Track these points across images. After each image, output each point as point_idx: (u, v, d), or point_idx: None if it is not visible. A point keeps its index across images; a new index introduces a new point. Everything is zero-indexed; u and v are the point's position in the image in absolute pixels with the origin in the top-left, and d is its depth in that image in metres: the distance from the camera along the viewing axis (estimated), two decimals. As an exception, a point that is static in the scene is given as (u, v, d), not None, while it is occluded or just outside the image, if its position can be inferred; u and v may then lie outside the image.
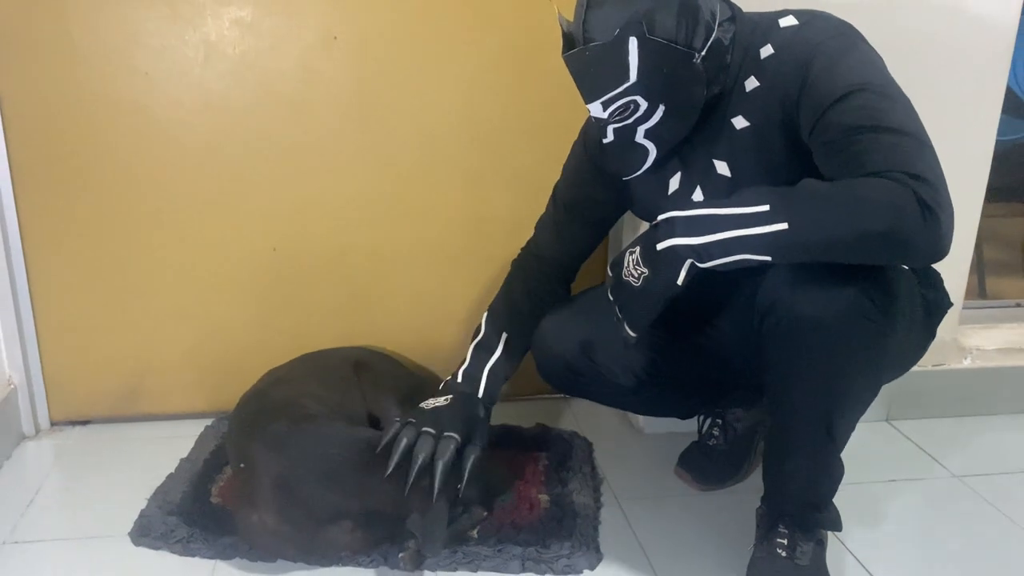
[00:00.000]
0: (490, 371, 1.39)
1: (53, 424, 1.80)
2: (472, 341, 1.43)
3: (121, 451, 1.70)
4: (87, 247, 1.71)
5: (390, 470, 1.23)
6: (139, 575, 1.31)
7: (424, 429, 1.27)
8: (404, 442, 1.26)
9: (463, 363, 1.41)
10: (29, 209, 1.66)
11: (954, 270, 1.70)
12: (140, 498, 1.48)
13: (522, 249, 1.49)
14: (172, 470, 1.58)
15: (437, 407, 1.33)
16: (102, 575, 1.31)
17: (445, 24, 1.69)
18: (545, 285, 1.45)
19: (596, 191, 1.39)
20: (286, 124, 1.70)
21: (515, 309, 1.44)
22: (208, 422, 1.79)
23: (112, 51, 1.61)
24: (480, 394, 1.37)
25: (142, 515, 1.43)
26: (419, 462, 1.23)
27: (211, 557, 1.34)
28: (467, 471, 1.27)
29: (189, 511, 1.43)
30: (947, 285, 1.32)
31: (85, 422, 1.82)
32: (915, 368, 1.33)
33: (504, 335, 1.41)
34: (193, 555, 1.34)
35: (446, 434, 1.27)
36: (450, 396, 1.35)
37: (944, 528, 1.47)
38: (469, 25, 1.70)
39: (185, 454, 1.64)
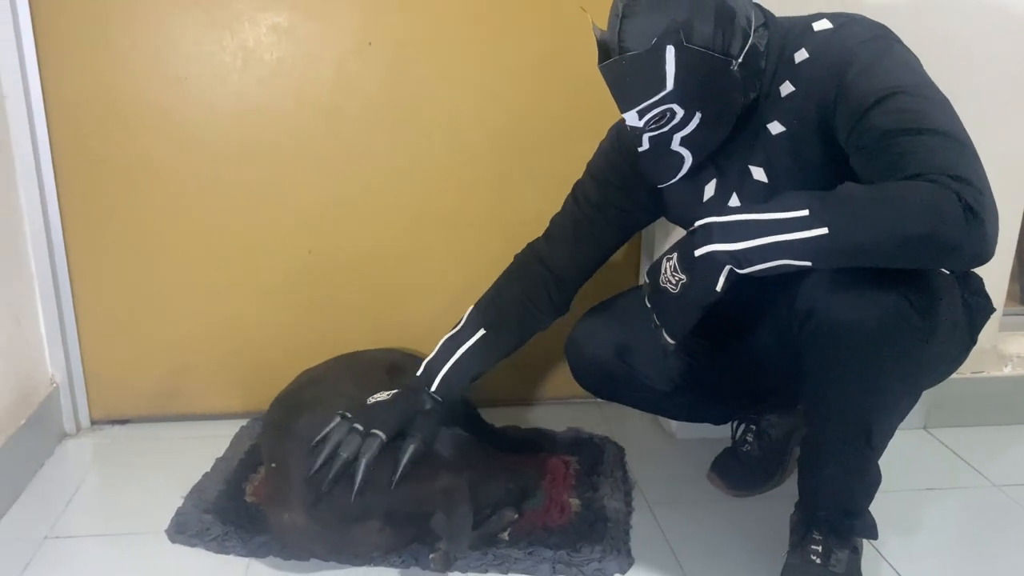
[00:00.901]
0: (454, 365, 1.36)
1: (93, 423, 1.84)
2: (448, 333, 1.41)
3: (158, 450, 1.73)
4: (127, 250, 1.74)
5: (314, 469, 1.25)
6: (175, 572, 1.33)
7: (354, 426, 1.28)
8: (332, 440, 1.27)
9: (431, 354, 1.39)
10: (72, 212, 1.70)
11: (994, 276, 1.67)
12: (176, 496, 1.51)
13: (528, 245, 1.44)
14: (208, 469, 1.60)
15: (377, 402, 1.34)
16: (139, 571, 1.34)
17: (478, 29, 1.71)
18: (543, 295, 1.40)
19: (628, 195, 1.36)
20: (321, 129, 1.72)
21: (500, 309, 1.40)
22: (243, 422, 1.81)
23: (152, 57, 1.65)
24: (433, 387, 1.35)
25: (178, 513, 1.46)
26: (340, 460, 1.24)
27: (245, 555, 1.36)
28: (400, 464, 1.26)
29: (224, 509, 1.45)
30: (992, 290, 1.30)
31: (124, 421, 1.85)
32: (953, 375, 1.30)
33: (481, 332, 1.38)
34: (228, 553, 1.37)
35: (372, 431, 1.27)
36: (395, 391, 1.35)
37: (983, 538, 1.44)
38: (500, 30, 1.71)
39: (221, 453, 1.67)
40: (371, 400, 1.34)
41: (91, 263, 1.74)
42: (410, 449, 1.28)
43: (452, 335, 1.39)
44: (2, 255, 1.57)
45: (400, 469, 1.26)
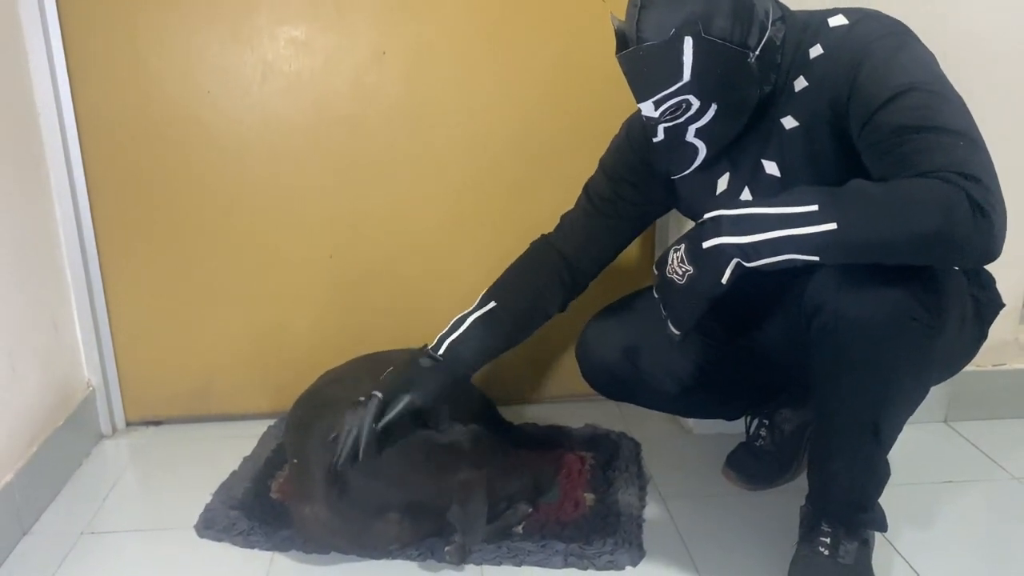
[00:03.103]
0: (462, 334, 1.35)
1: (128, 424, 1.91)
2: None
3: (189, 449, 1.80)
4: (158, 257, 1.81)
5: (337, 460, 1.27)
6: (203, 565, 1.39)
7: (358, 400, 1.29)
8: (346, 426, 1.28)
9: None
10: (104, 221, 1.78)
11: (1015, 269, 1.66)
12: (205, 493, 1.57)
13: (542, 236, 1.45)
14: (235, 467, 1.66)
15: (385, 373, 1.35)
16: (169, 564, 1.39)
17: (489, 37, 1.74)
18: (553, 273, 1.40)
19: (638, 188, 1.37)
20: (340, 137, 1.77)
21: (514, 287, 1.40)
22: (270, 422, 1.87)
23: (178, 72, 1.71)
24: (440, 351, 1.34)
25: (207, 509, 1.52)
26: (351, 436, 1.26)
27: (269, 549, 1.41)
28: (392, 413, 1.27)
29: (250, 506, 1.50)
30: (1008, 283, 1.30)
31: (157, 422, 1.92)
32: (974, 368, 1.30)
33: (491, 304, 1.37)
34: (253, 547, 1.42)
35: (373, 393, 1.28)
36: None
37: (1001, 531, 1.43)
38: (512, 37, 1.75)
39: (248, 452, 1.72)
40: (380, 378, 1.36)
41: (123, 271, 1.81)
42: (404, 400, 1.28)
43: (464, 312, 1.39)
44: (39, 264, 1.65)
45: (388, 417, 1.27)
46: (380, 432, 1.27)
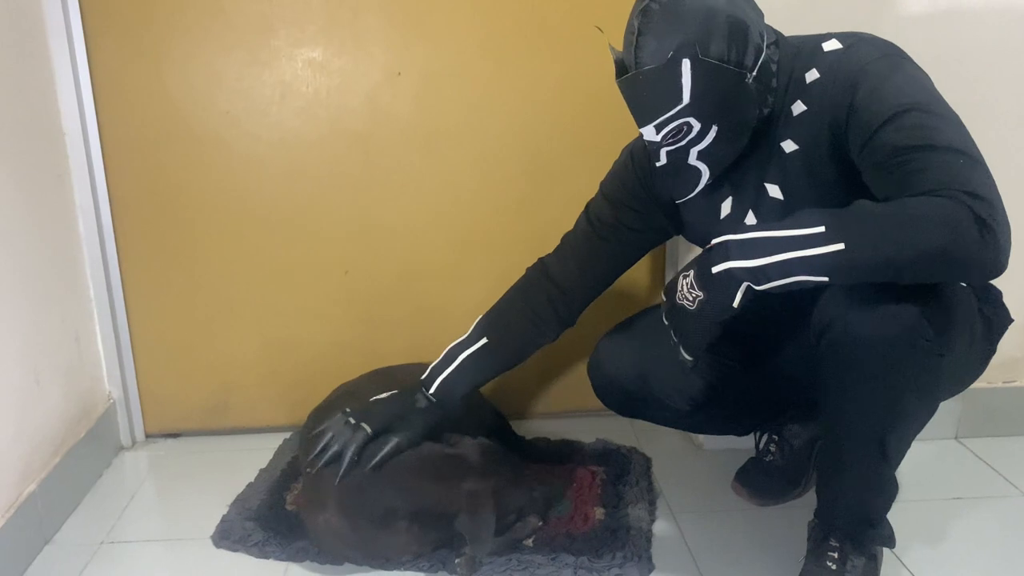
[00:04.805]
0: (455, 370, 1.40)
1: (148, 436, 1.95)
2: (456, 340, 1.45)
3: (207, 462, 1.83)
4: (178, 273, 1.85)
5: (311, 456, 1.38)
6: (219, 574, 1.41)
7: (348, 420, 1.39)
8: (329, 433, 1.39)
9: (436, 359, 1.44)
10: (126, 238, 1.82)
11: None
12: (222, 504, 1.60)
13: (539, 260, 1.45)
14: (252, 479, 1.69)
15: (376, 400, 1.43)
16: (186, 573, 1.42)
17: (502, 59, 1.78)
18: (547, 308, 1.41)
19: (641, 215, 1.37)
20: (355, 156, 1.81)
21: (504, 322, 1.42)
22: (286, 435, 1.90)
23: (199, 92, 1.76)
24: (432, 389, 1.40)
25: (223, 520, 1.54)
26: (331, 450, 1.36)
27: (284, 559, 1.43)
28: (377, 456, 1.35)
29: (266, 517, 1.53)
30: (1016, 298, 1.30)
31: (176, 435, 1.96)
32: (985, 385, 1.30)
33: (483, 341, 1.41)
34: (268, 557, 1.44)
35: (361, 424, 1.37)
36: (395, 391, 1.44)
37: (1011, 548, 1.43)
38: (521, 62, 1.78)
39: (264, 465, 1.75)
40: (373, 399, 1.43)
41: (145, 287, 1.85)
42: (391, 443, 1.36)
43: (457, 343, 1.43)
44: (63, 280, 1.69)
45: (375, 461, 1.35)
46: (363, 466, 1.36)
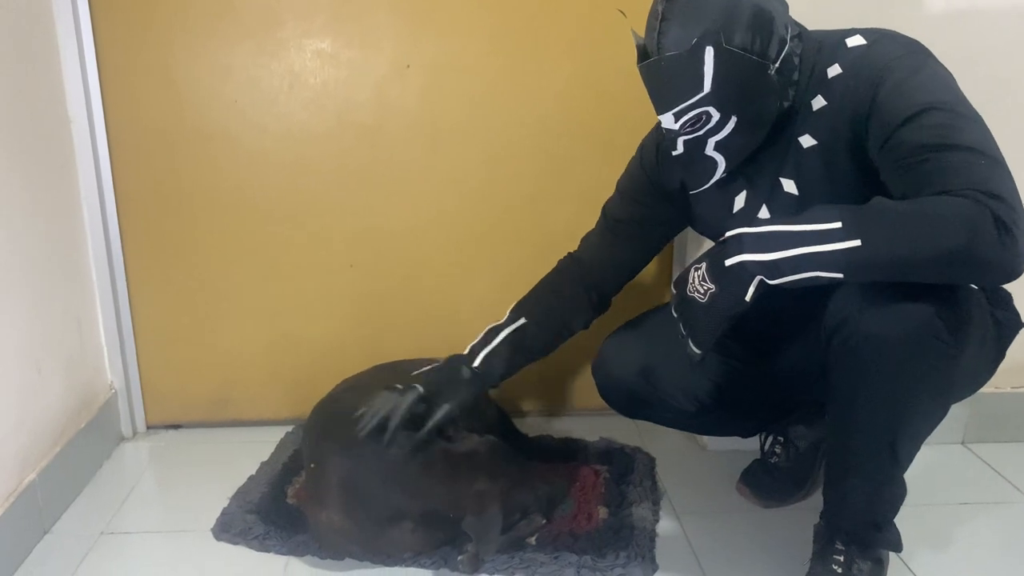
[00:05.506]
0: (494, 347, 1.39)
1: (149, 427, 1.94)
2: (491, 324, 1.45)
3: (208, 454, 1.82)
4: (182, 264, 1.84)
5: (363, 432, 1.32)
6: (219, 567, 1.40)
7: (394, 388, 1.36)
8: (375, 405, 1.35)
9: (474, 340, 1.43)
10: (130, 228, 1.81)
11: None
12: (223, 497, 1.59)
13: (567, 254, 1.48)
14: (253, 472, 1.68)
15: (418, 372, 1.41)
16: (186, 566, 1.41)
17: (512, 53, 1.77)
18: (578, 288, 1.43)
19: (650, 209, 1.39)
20: (362, 149, 1.80)
21: (540, 302, 1.43)
22: (288, 428, 1.89)
23: (206, 81, 1.75)
24: (475, 363, 1.38)
25: (224, 512, 1.53)
26: (378, 415, 1.33)
27: (285, 553, 1.42)
28: (432, 419, 1.32)
29: (267, 510, 1.52)
30: (1025, 304, 1.29)
31: (177, 426, 1.95)
32: (993, 390, 1.29)
33: (521, 320, 1.41)
34: (268, 551, 1.43)
35: (412, 386, 1.34)
36: (435, 364, 1.42)
37: (1017, 554, 1.42)
38: (532, 52, 1.77)
39: (265, 458, 1.74)
40: (414, 373, 1.41)
41: (148, 277, 1.84)
42: (443, 409, 1.33)
43: (495, 325, 1.43)
44: (66, 269, 1.68)
45: (429, 426, 1.32)
46: (414, 430, 1.32)
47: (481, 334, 1.42)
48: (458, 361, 1.39)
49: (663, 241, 1.46)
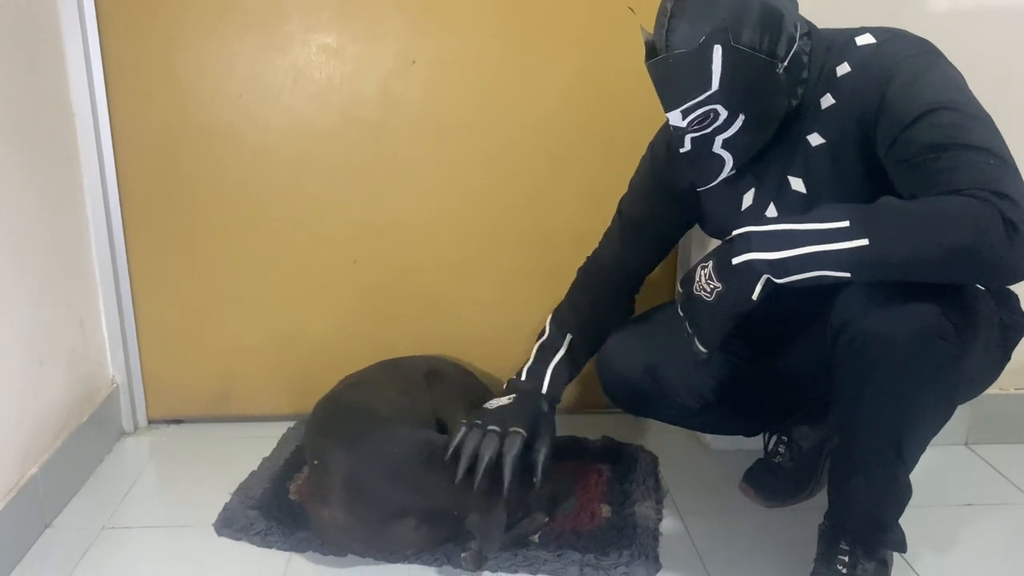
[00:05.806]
0: (553, 370, 1.41)
1: (150, 422, 1.93)
2: (537, 341, 1.46)
3: (210, 449, 1.81)
4: (184, 259, 1.84)
5: (460, 474, 1.26)
6: (220, 563, 1.40)
7: (490, 428, 1.30)
8: (471, 444, 1.29)
9: (527, 361, 1.44)
10: (133, 222, 1.81)
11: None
12: (225, 492, 1.58)
13: (588, 258, 1.50)
14: (255, 468, 1.68)
15: (501, 406, 1.36)
16: (187, 561, 1.41)
17: (517, 49, 1.76)
18: (609, 294, 1.46)
19: (661, 208, 1.40)
20: (366, 145, 1.80)
21: (580, 314, 1.45)
22: (290, 424, 1.88)
23: (211, 76, 1.74)
24: (544, 390, 1.40)
25: (226, 508, 1.53)
26: (485, 462, 1.27)
27: (287, 549, 1.42)
28: (539, 464, 1.31)
29: (268, 506, 1.52)
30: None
31: (179, 421, 1.94)
32: (997, 391, 1.29)
33: (568, 337, 1.44)
34: (270, 547, 1.43)
35: (512, 430, 1.30)
36: (514, 395, 1.39)
37: (1021, 555, 1.42)
38: (537, 49, 1.76)
39: (267, 453, 1.74)
40: (492, 405, 1.37)
41: (151, 272, 1.84)
42: (544, 449, 1.33)
43: (544, 342, 1.44)
44: (68, 263, 1.67)
45: (539, 470, 1.31)
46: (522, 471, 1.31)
47: (533, 354, 1.44)
48: (533, 394, 1.39)
49: (675, 239, 1.47)
